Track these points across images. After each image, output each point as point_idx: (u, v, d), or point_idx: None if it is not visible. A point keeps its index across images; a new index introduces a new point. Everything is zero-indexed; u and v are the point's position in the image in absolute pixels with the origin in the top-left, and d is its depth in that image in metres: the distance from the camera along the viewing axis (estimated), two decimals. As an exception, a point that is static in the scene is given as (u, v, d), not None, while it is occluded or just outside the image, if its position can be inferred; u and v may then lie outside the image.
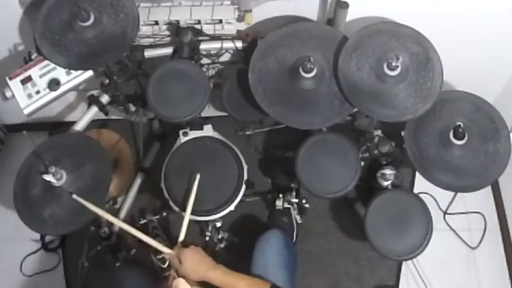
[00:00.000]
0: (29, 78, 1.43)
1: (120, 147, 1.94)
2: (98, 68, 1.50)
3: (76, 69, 1.45)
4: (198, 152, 1.58)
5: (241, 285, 1.27)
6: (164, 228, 1.82)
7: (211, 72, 1.77)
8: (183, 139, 1.61)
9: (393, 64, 1.37)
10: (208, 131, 1.62)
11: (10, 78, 1.43)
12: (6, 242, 1.97)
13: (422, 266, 1.86)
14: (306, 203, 1.73)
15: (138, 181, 1.82)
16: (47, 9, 1.40)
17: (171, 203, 1.54)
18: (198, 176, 1.48)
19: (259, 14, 1.55)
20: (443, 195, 1.95)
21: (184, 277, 1.28)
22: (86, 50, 1.38)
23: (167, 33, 1.60)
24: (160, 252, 1.39)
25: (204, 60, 1.67)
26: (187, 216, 1.43)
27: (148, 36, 1.59)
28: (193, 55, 1.57)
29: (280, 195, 1.75)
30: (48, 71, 1.44)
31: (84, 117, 1.60)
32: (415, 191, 1.90)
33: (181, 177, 1.54)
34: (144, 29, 1.57)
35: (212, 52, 1.65)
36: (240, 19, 1.55)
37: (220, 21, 1.54)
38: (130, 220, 1.82)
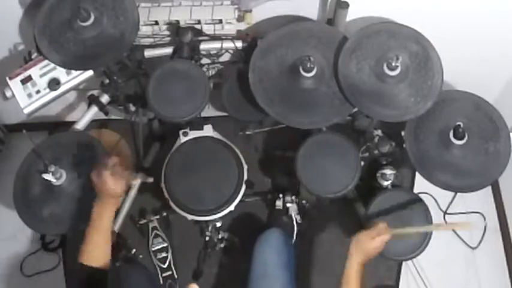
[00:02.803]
0: (29, 78, 1.43)
1: (120, 147, 1.94)
2: (93, 69, 1.50)
3: (71, 69, 1.44)
4: (198, 152, 1.58)
5: None
6: (164, 228, 1.83)
7: (211, 72, 1.77)
8: (183, 139, 1.61)
9: (393, 64, 1.36)
10: (208, 131, 1.62)
11: (10, 78, 1.43)
12: (6, 242, 1.96)
13: (422, 266, 1.86)
14: (306, 203, 1.73)
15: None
16: (49, 5, 1.40)
17: (171, 203, 1.54)
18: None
19: (259, 14, 1.55)
20: (443, 195, 1.95)
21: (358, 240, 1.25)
22: (82, 50, 1.38)
23: (167, 33, 1.60)
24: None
25: (204, 60, 1.67)
26: None
27: (148, 36, 1.59)
28: (193, 55, 1.57)
29: (280, 195, 1.75)
30: (49, 71, 1.44)
31: (84, 117, 1.60)
32: (415, 191, 1.90)
33: (181, 177, 1.54)
34: (144, 29, 1.57)
35: (212, 52, 1.64)
36: (240, 19, 1.55)
37: (220, 21, 1.54)
38: (130, 220, 1.82)
